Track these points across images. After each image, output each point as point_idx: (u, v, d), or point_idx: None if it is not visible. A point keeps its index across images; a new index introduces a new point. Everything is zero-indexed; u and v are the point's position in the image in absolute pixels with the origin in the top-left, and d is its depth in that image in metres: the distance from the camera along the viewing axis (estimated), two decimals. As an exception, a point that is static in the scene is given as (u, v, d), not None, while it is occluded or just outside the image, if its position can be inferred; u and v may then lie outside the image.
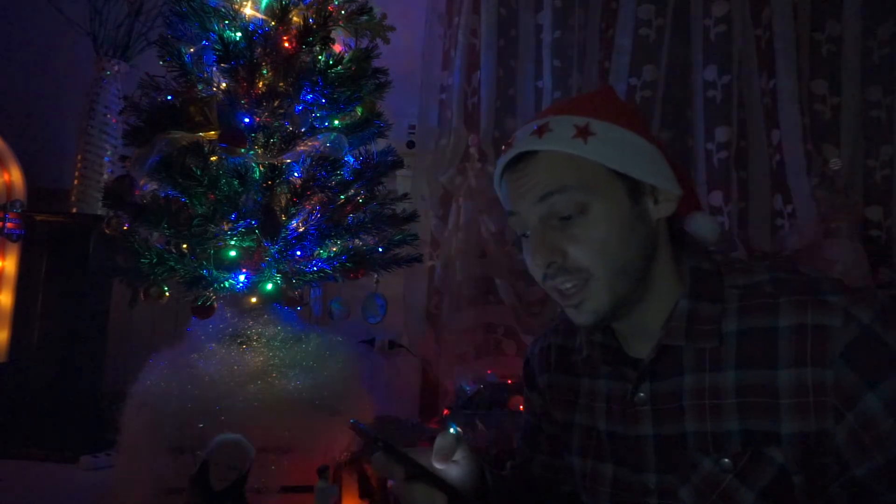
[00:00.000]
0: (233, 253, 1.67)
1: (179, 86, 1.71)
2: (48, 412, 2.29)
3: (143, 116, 1.68)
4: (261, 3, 1.77)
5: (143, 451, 1.51)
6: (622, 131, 0.70)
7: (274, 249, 1.67)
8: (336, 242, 1.78)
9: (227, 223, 1.61)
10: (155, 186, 1.69)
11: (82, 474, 2.04)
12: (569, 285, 0.69)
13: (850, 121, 2.22)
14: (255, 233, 1.64)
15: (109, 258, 1.97)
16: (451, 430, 0.71)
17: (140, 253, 1.56)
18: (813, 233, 2.09)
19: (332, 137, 1.70)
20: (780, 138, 2.17)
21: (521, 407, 2.05)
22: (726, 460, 0.66)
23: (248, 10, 1.75)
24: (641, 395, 0.73)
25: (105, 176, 2.54)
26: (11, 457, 2.17)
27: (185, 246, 1.63)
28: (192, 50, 1.74)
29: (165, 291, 1.64)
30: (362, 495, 1.57)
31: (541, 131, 0.70)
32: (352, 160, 1.83)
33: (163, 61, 1.72)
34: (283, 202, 1.70)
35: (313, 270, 1.75)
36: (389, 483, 1.55)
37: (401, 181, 2.51)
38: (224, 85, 1.75)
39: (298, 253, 1.72)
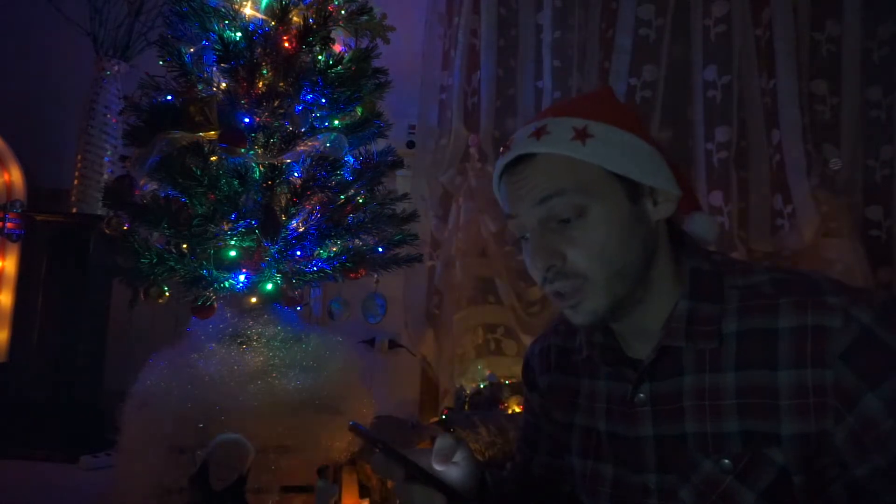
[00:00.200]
0: (233, 253, 1.67)
1: (179, 86, 1.71)
2: (48, 412, 2.29)
3: (143, 116, 1.68)
4: (261, 3, 1.77)
5: (143, 451, 1.51)
6: (621, 133, 0.70)
7: (274, 249, 1.67)
8: (336, 242, 1.78)
9: (227, 223, 1.61)
10: (155, 186, 1.69)
11: (82, 474, 2.04)
12: (568, 289, 0.69)
13: (850, 121, 2.22)
14: (255, 233, 1.64)
15: (109, 258, 1.97)
16: (451, 431, 0.71)
17: (140, 253, 1.56)
18: (813, 233, 2.09)
19: (332, 137, 1.70)
20: (780, 138, 2.17)
21: (521, 407, 2.05)
22: (726, 461, 0.66)
23: (248, 10, 1.75)
24: (641, 395, 0.73)
25: (105, 176, 2.54)
26: (11, 457, 2.17)
27: (185, 246, 1.63)
28: (192, 50, 1.74)
29: (165, 291, 1.64)
30: (362, 495, 1.57)
31: (539, 133, 0.70)
32: (352, 160, 1.83)
33: (163, 61, 1.72)
34: (283, 202, 1.70)
35: (313, 270, 1.75)
36: (389, 483, 1.55)
37: (401, 181, 2.51)
38: (224, 85, 1.75)
39: (298, 253, 1.72)
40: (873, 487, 0.63)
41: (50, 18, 2.71)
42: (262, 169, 1.70)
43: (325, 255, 1.78)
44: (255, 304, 1.75)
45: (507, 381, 2.26)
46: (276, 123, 1.69)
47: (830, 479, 0.64)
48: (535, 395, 0.90)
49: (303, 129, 1.73)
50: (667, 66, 2.39)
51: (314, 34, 1.71)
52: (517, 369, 2.28)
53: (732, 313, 0.69)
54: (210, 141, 1.61)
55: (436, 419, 2.13)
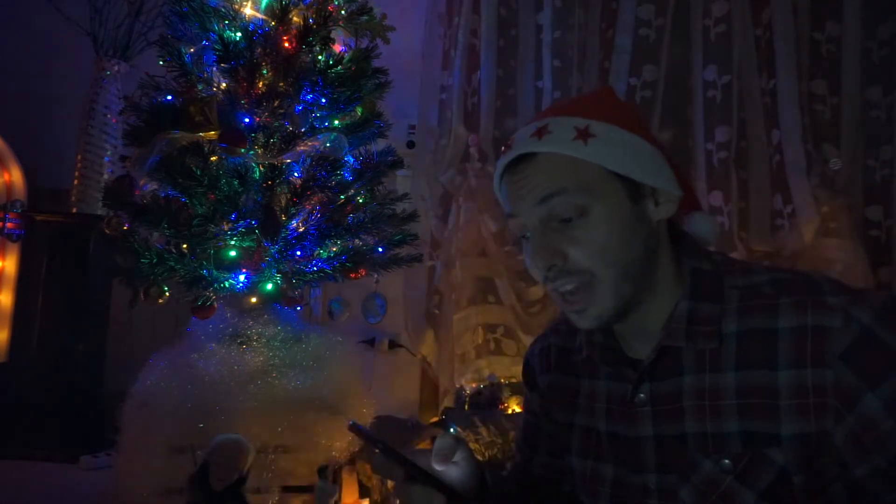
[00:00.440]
0: (233, 253, 1.67)
1: (179, 86, 1.71)
2: (48, 412, 2.29)
3: (143, 116, 1.68)
4: (261, 3, 1.77)
5: (143, 451, 1.51)
6: (622, 133, 0.70)
7: (274, 249, 1.67)
8: (336, 242, 1.78)
9: (227, 223, 1.62)
10: (155, 186, 1.69)
11: (82, 474, 2.04)
12: (570, 287, 0.69)
13: (850, 121, 2.22)
14: (255, 233, 1.64)
15: (109, 258, 1.97)
16: (451, 431, 0.71)
17: (140, 253, 1.56)
18: (813, 233, 2.09)
19: (332, 137, 1.70)
20: (780, 138, 2.17)
21: (521, 407, 2.05)
22: (726, 461, 0.66)
23: (248, 10, 1.75)
24: (641, 395, 0.73)
25: (105, 176, 2.54)
26: (11, 457, 2.17)
27: (185, 246, 1.63)
28: (192, 50, 1.74)
29: (165, 291, 1.64)
30: (362, 495, 1.57)
31: (540, 133, 0.70)
32: (352, 160, 1.83)
33: (163, 61, 1.72)
34: (283, 202, 1.70)
35: (313, 270, 1.75)
36: (389, 484, 1.55)
37: (401, 181, 2.51)
38: (224, 85, 1.75)
39: (298, 253, 1.72)
40: (873, 487, 0.63)
41: (50, 18, 2.71)
42: (262, 169, 1.70)
43: (325, 255, 1.78)
44: (255, 304, 1.75)
45: (507, 381, 2.26)
46: (276, 123, 1.69)
47: (830, 479, 0.64)
48: (535, 395, 0.90)
49: (303, 129, 1.73)
50: (667, 66, 2.39)
51: (314, 34, 1.71)
52: (517, 369, 2.28)
53: (732, 313, 0.69)
54: (210, 141, 1.61)
55: (436, 419, 2.13)
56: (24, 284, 2.64)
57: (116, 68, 2.59)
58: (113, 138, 2.58)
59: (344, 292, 2.15)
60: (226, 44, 1.60)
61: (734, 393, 0.67)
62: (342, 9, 1.90)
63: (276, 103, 1.67)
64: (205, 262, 1.63)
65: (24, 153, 2.76)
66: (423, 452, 0.68)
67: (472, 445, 1.72)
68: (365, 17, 1.96)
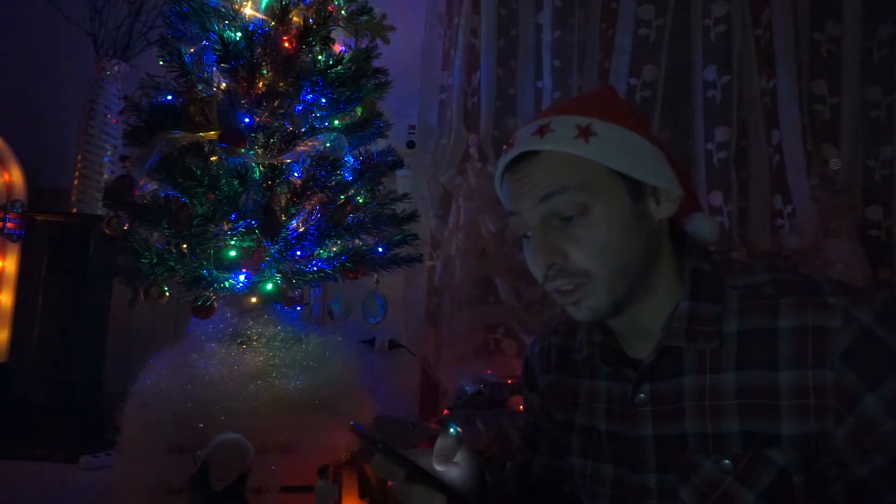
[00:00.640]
0: (233, 253, 1.67)
1: (179, 86, 1.71)
2: (48, 412, 2.29)
3: (143, 116, 1.68)
4: (261, 3, 1.77)
5: (143, 451, 1.51)
6: (624, 132, 0.70)
7: (274, 249, 1.67)
8: (336, 242, 1.78)
9: (227, 223, 1.62)
10: (155, 186, 1.69)
11: (82, 474, 2.04)
12: (569, 287, 0.69)
13: (850, 121, 2.22)
14: (255, 233, 1.64)
15: (109, 258, 1.97)
16: (452, 431, 0.71)
17: (140, 253, 1.56)
18: (813, 233, 2.09)
19: (332, 137, 1.70)
20: (780, 138, 2.17)
21: (521, 407, 2.05)
22: (727, 461, 0.66)
23: (248, 10, 1.75)
24: (642, 395, 0.73)
25: (105, 176, 2.54)
26: (11, 457, 2.17)
27: (185, 246, 1.63)
28: (192, 50, 1.74)
29: (165, 291, 1.64)
30: (362, 495, 1.57)
31: (542, 131, 0.70)
32: (352, 160, 1.83)
33: (163, 61, 1.72)
34: (283, 202, 1.70)
35: (313, 270, 1.75)
36: (389, 484, 1.55)
37: (401, 181, 2.51)
38: (224, 85, 1.75)
39: (298, 253, 1.72)
40: (873, 488, 0.63)
41: (50, 18, 2.71)
42: (262, 169, 1.70)
43: (325, 255, 1.78)
44: (255, 304, 1.75)
45: (507, 381, 2.26)
46: (276, 123, 1.69)
47: (830, 479, 0.64)
48: (535, 395, 0.91)
49: (303, 129, 1.73)
50: (667, 66, 2.39)
51: (314, 34, 1.71)
52: (517, 369, 2.28)
53: (733, 313, 0.69)
54: (210, 141, 1.61)
55: (436, 419, 2.13)
56: (24, 284, 2.64)
57: (116, 68, 2.59)
58: (113, 138, 2.58)
59: (344, 292, 2.15)
60: (226, 44, 1.60)
61: (734, 393, 0.67)
62: (342, 9, 1.90)
63: (276, 103, 1.67)
64: (205, 262, 1.63)
65: (24, 153, 2.76)
66: (423, 452, 0.68)
67: (472, 445, 1.71)
68: (365, 17, 1.96)
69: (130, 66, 2.60)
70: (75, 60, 2.78)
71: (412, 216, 1.91)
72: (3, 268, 2.67)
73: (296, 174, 1.74)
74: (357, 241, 1.83)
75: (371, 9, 1.97)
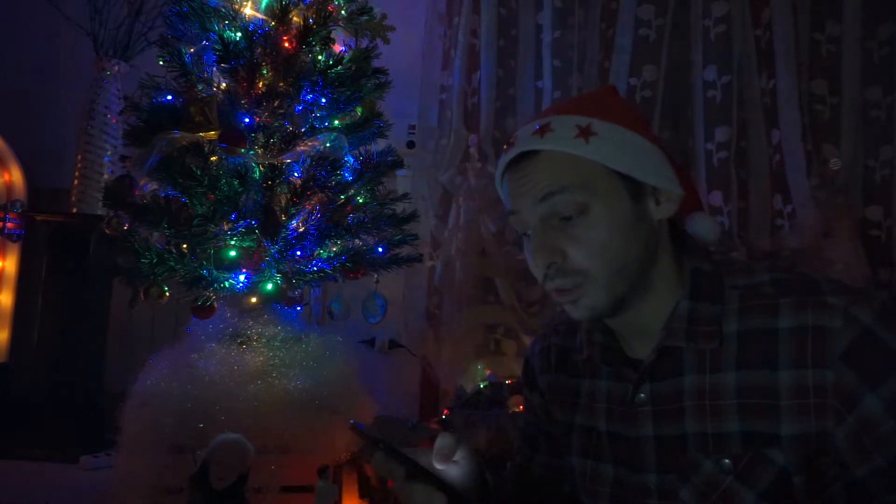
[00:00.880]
0: (233, 253, 1.67)
1: (179, 86, 1.71)
2: (48, 412, 2.29)
3: (143, 116, 1.68)
4: (261, 3, 1.77)
5: (143, 451, 1.51)
6: (624, 131, 0.70)
7: (274, 249, 1.67)
8: (336, 242, 1.78)
9: (227, 223, 1.62)
10: (155, 186, 1.69)
11: (82, 474, 2.04)
12: (568, 286, 0.69)
13: (850, 121, 2.22)
14: (255, 233, 1.64)
15: (109, 258, 1.97)
16: (451, 431, 0.71)
17: (140, 253, 1.56)
18: (813, 233, 2.09)
19: (332, 137, 1.70)
20: (780, 138, 2.17)
21: (521, 407, 2.05)
22: (727, 461, 0.66)
23: (248, 10, 1.75)
24: (642, 395, 0.73)
25: (105, 176, 2.54)
26: (11, 457, 2.17)
27: (185, 246, 1.63)
28: (192, 50, 1.74)
29: (165, 291, 1.64)
30: (362, 495, 1.57)
31: (542, 131, 0.70)
32: (352, 160, 1.83)
33: (163, 61, 1.72)
34: (283, 202, 1.70)
35: (313, 270, 1.75)
36: (389, 483, 1.55)
37: (401, 181, 2.51)
38: (224, 85, 1.75)
39: (298, 253, 1.72)
40: (873, 488, 0.63)
41: (50, 18, 2.71)
42: (262, 169, 1.70)
43: (325, 255, 1.78)
44: (255, 304, 1.75)
45: (507, 381, 2.26)
46: (276, 123, 1.70)
47: (830, 479, 0.64)
48: (535, 395, 0.90)
49: (303, 129, 1.73)
50: (667, 66, 2.39)
51: (314, 34, 1.71)
52: (517, 369, 2.28)
53: (733, 313, 0.69)
54: (210, 141, 1.61)
55: (436, 419, 2.13)
56: (24, 284, 2.65)
57: (116, 68, 2.59)
58: (113, 138, 2.58)
59: (344, 292, 2.14)
60: (226, 44, 1.60)
61: (734, 393, 0.67)
62: (342, 9, 1.90)
63: (276, 103, 1.68)
64: (205, 262, 1.63)
65: (24, 153, 2.77)
66: (423, 451, 0.68)
67: (472, 445, 1.71)
68: (365, 17, 1.96)
69: (130, 66, 2.61)
70: (75, 60, 2.78)
71: (412, 216, 1.91)
72: (3, 268, 2.67)
73: (296, 174, 1.74)
74: (357, 241, 1.83)
75: (371, 9, 1.97)
